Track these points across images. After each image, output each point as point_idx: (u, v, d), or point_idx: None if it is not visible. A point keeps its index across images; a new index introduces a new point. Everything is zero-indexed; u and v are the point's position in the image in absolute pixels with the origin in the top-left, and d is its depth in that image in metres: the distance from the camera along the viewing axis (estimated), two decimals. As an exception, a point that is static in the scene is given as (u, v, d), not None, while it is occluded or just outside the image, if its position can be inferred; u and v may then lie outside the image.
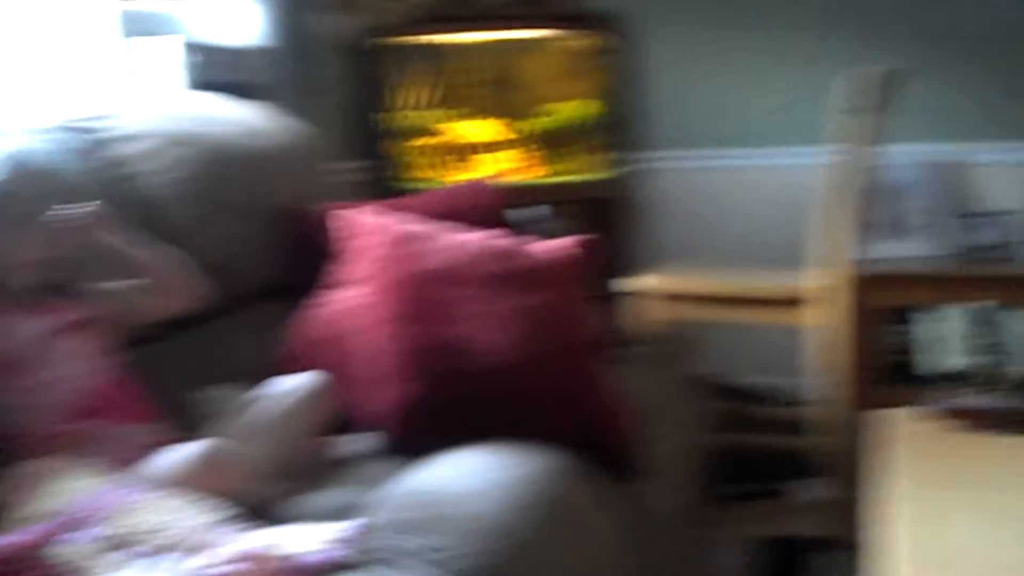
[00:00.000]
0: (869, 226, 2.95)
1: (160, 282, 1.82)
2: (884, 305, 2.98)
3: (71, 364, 1.61)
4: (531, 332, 1.77)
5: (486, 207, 2.36)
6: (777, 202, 3.62)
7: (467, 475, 1.56)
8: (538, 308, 1.80)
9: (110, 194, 1.93)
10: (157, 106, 2.28)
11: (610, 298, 2.86)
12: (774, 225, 3.59)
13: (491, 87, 3.58)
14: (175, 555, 1.23)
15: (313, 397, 1.74)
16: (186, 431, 1.68)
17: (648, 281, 3.00)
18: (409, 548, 1.36)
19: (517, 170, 3.55)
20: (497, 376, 1.75)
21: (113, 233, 1.75)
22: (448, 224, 1.95)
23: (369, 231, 1.94)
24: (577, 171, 3.59)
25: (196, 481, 1.41)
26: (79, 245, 1.71)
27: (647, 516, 1.89)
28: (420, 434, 1.74)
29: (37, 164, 1.66)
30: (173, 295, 1.84)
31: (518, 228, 2.22)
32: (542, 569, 1.45)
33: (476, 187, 2.50)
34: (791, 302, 2.81)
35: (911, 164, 3.31)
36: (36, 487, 1.38)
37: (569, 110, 3.57)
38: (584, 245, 1.89)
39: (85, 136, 2.07)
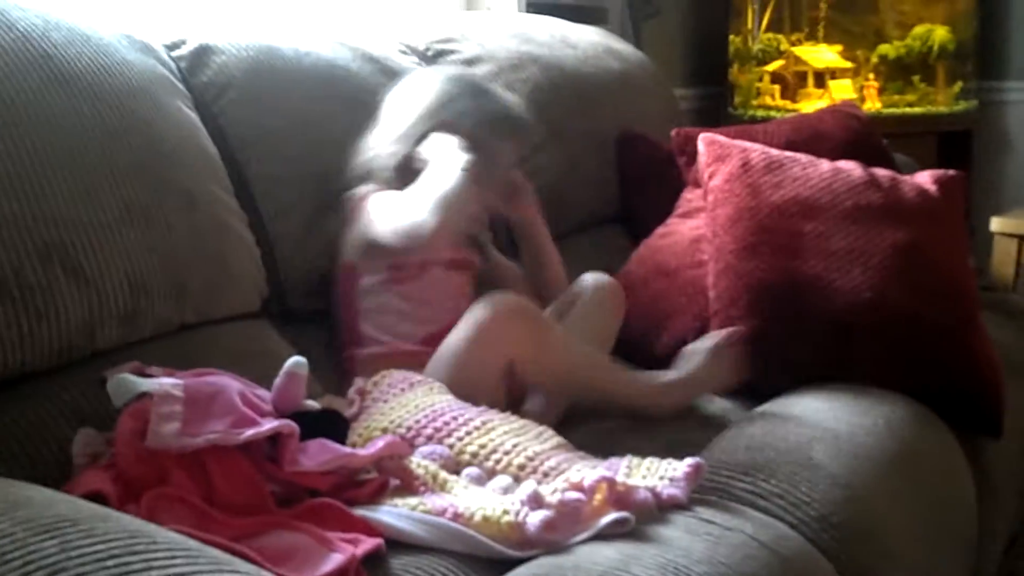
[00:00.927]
0: None
1: (540, 280, 1.79)
2: None
3: (438, 293, 1.64)
4: (899, 270, 1.67)
5: (854, 135, 2.19)
6: None
7: (808, 421, 1.49)
8: (908, 245, 1.68)
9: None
10: (494, 29, 2.28)
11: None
12: None
13: (836, 11, 3.43)
14: (521, 479, 1.23)
15: (604, 297, 1.70)
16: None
17: (1005, 223, 2.78)
18: (740, 492, 1.30)
19: (858, 100, 3.36)
20: (851, 317, 1.66)
21: (529, 210, 1.76)
22: (806, 153, 1.85)
23: (716, 158, 1.87)
24: (922, 102, 3.37)
25: None
26: (503, 209, 1.72)
27: (995, 477, 1.74)
28: (751, 374, 1.67)
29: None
30: (542, 295, 1.77)
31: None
32: (879, 524, 1.37)
33: (842, 113, 2.30)
34: None
35: None
36: (387, 400, 1.40)
37: (917, 36, 3.35)
38: (955, 179, 1.74)
39: (423, 61, 2.09)
